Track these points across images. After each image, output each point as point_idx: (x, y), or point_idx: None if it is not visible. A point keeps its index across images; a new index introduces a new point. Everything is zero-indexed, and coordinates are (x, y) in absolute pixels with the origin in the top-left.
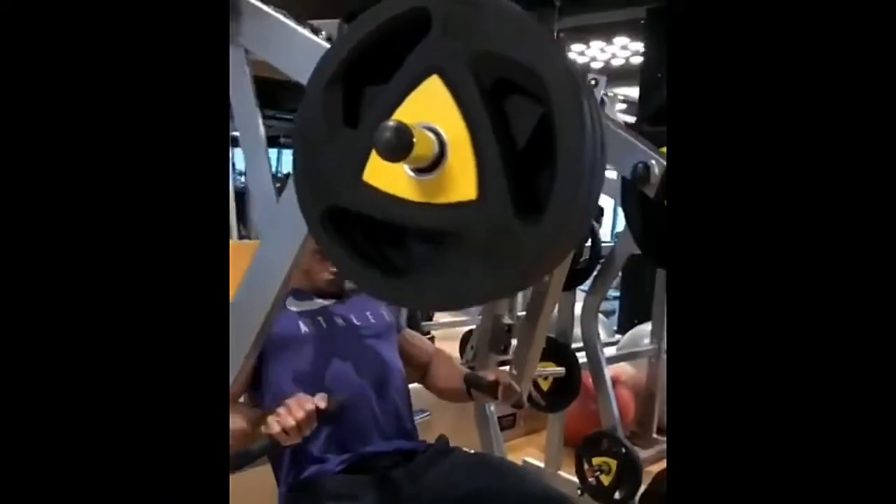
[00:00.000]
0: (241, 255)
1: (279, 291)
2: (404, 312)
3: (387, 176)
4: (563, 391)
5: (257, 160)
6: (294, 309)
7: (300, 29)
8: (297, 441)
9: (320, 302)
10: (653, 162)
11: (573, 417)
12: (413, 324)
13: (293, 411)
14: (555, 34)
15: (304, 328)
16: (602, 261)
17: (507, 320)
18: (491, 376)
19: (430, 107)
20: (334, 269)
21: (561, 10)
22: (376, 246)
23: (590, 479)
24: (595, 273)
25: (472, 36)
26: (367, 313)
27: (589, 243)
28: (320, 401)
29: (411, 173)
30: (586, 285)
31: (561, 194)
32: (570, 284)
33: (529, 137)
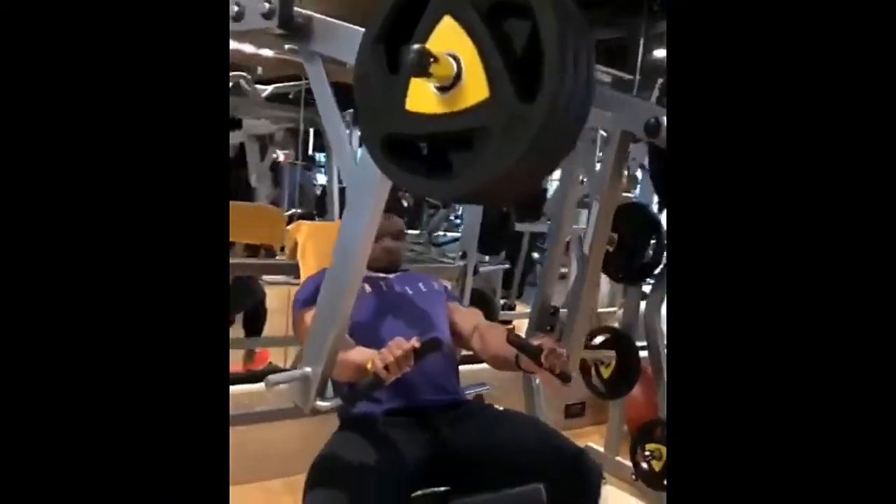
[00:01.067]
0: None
1: (369, 230)
2: (467, 292)
3: (422, 101)
4: (622, 379)
5: (339, 138)
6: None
7: (356, 27)
8: (397, 376)
9: (382, 274)
10: (663, 118)
11: (640, 407)
12: (491, 313)
13: (393, 351)
14: None
15: (368, 288)
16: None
17: (554, 303)
18: (536, 342)
19: (448, 40)
20: (389, 245)
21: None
22: (423, 162)
23: (642, 464)
24: (660, 268)
25: None
26: (419, 284)
27: (653, 240)
28: (415, 342)
29: (439, 93)
30: None
31: (550, 74)
32: (636, 279)
33: (526, 48)
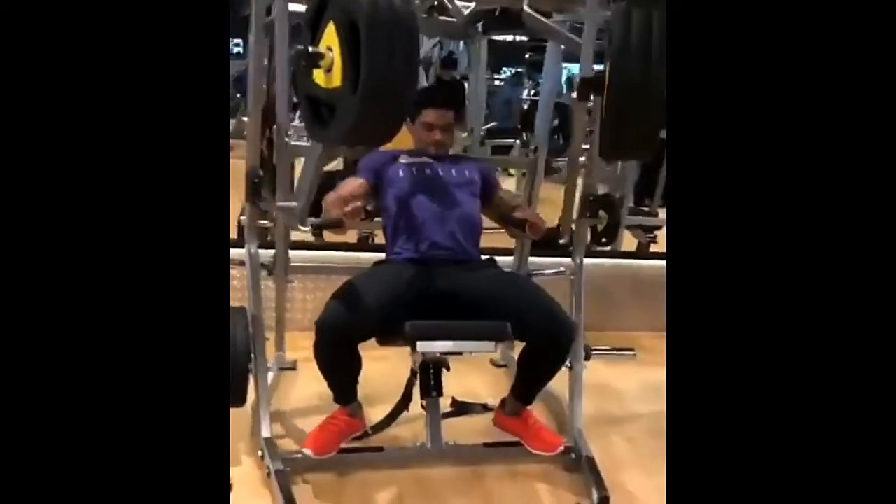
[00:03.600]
0: None
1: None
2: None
3: (319, 77)
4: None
5: None
6: (403, 161)
7: None
8: (351, 221)
9: (426, 159)
10: None
11: None
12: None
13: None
14: None
15: (402, 173)
16: None
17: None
18: (519, 214)
19: (330, 39)
20: (437, 137)
21: None
22: (322, 114)
23: None
24: None
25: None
26: (453, 170)
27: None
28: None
29: (325, 74)
30: None
31: (362, 80)
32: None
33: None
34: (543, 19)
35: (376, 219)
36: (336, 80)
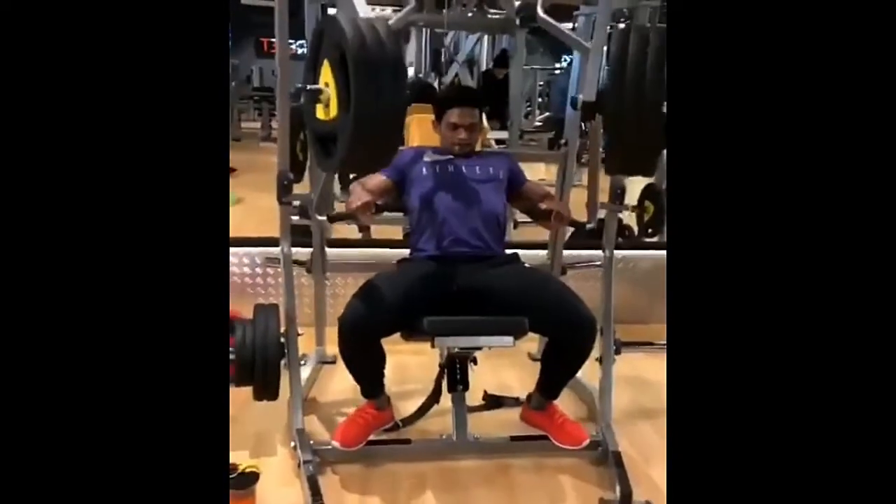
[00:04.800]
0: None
1: None
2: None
3: (320, 112)
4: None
5: None
6: (427, 159)
7: None
8: (363, 215)
9: (450, 157)
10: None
11: None
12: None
13: (358, 198)
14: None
15: (425, 171)
16: None
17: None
18: (543, 205)
19: (327, 76)
20: (462, 137)
21: None
22: (328, 147)
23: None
24: None
25: (332, 37)
26: (476, 167)
27: None
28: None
29: (324, 108)
30: None
31: (352, 112)
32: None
33: None
34: (555, 23)
35: (385, 213)
36: (333, 112)
